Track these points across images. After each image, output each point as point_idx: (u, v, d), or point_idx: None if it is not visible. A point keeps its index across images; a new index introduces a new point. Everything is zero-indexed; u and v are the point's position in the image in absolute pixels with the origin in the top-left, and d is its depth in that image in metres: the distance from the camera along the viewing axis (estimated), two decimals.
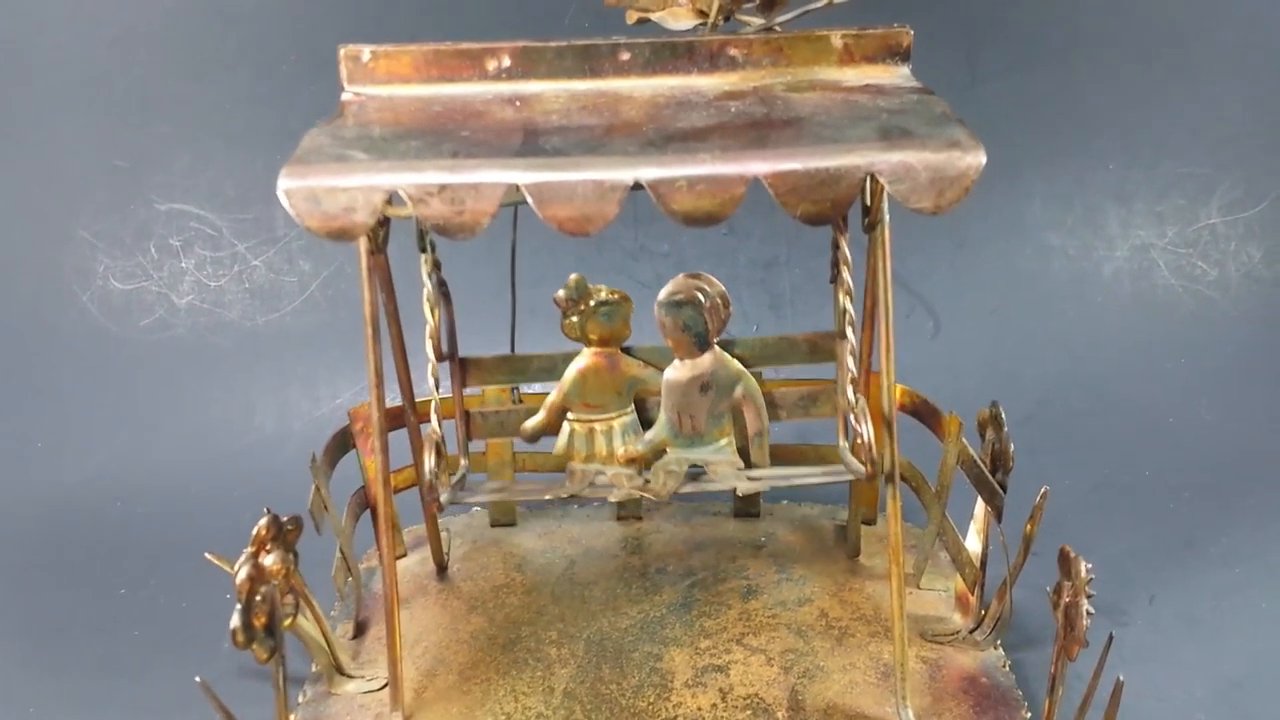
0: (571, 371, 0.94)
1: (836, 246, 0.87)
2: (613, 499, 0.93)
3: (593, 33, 0.79)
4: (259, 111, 1.39)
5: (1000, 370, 1.41)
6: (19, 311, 1.40)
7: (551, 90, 0.75)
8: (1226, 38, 1.45)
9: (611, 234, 1.44)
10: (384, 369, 0.83)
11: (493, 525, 1.15)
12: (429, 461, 0.84)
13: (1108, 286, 1.49)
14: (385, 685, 0.89)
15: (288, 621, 0.76)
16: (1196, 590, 1.04)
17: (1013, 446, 0.90)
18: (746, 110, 0.72)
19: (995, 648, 0.94)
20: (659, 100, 0.74)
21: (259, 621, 0.72)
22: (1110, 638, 0.72)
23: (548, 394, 0.95)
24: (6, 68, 1.36)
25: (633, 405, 0.94)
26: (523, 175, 0.65)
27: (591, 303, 0.92)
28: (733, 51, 0.80)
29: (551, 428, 0.95)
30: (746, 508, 1.14)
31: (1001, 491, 0.91)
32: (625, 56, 0.79)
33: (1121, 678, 0.70)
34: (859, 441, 0.84)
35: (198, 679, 0.69)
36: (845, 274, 0.85)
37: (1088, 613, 0.70)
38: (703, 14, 0.83)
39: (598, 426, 0.93)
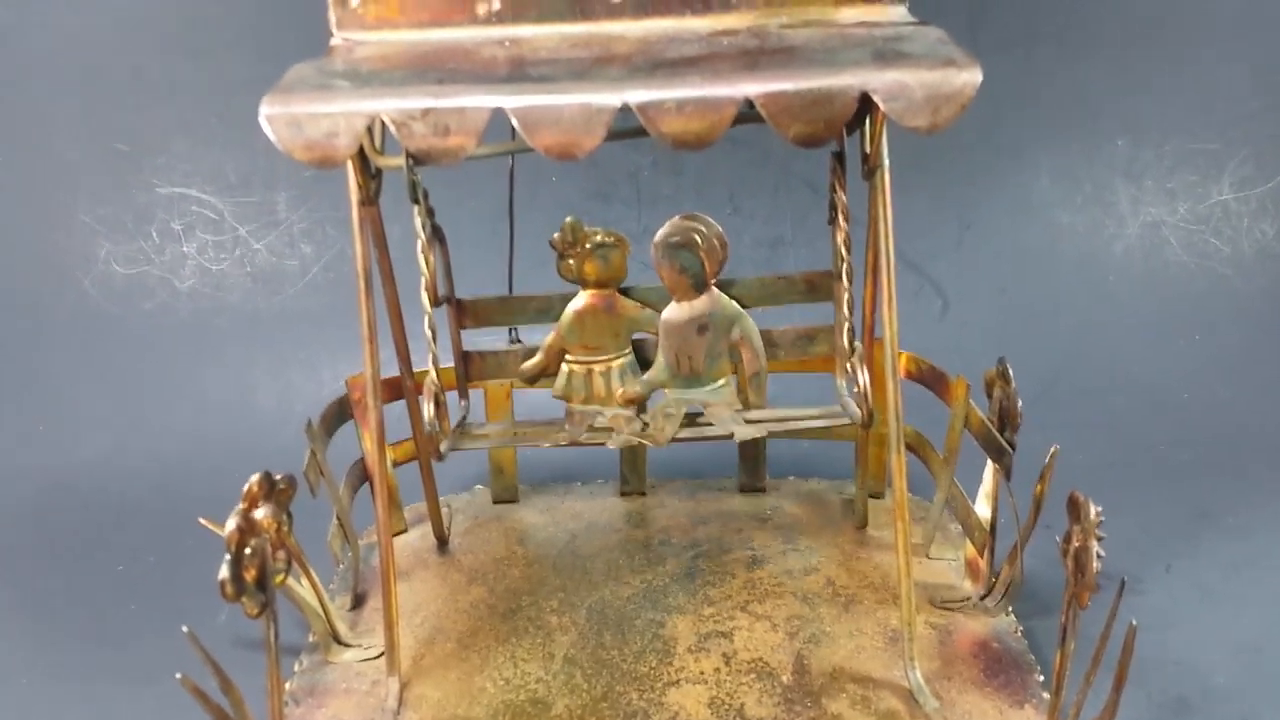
0: (569, 313, 0.93)
1: (834, 190, 0.86)
2: (611, 445, 0.92)
3: None
4: (260, 95, 1.37)
5: (1010, 350, 1.37)
6: (22, 296, 1.40)
7: (543, 33, 0.74)
8: (1234, 13, 1.44)
9: (615, 215, 1.43)
10: (377, 325, 0.82)
11: (495, 502, 1.14)
12: (428, 410, 0.83)
13: (1119, 264, 1.47)
14: (382, 654, 0.87)
15: (279, 578, 0.75)
16: (1212, 561, 1.03)
17: (1020, 403, 0.88)
18: (739, 43, 0.71)
19: (1007, 614, 0.92)
20: (650, 38, 0.73)
21: (249, 575, 0.70)
22: (1123, 583, 0.70)
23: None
24: (8, 53, 1.36)
25: (631, 347, 0.93)
26: (508, 99, 0.63)
27: (588, 245, 0.91)
28: None
29: (550, 369, 0.94)
30: (752, 482, 1.13)
31: (1010, 449, 0.89)
32: None
33: (1135, 622, 0.67)
34: (857, 390, 0.83)
35: (185, 628, 0.68)
36: (842, 219, 0.84)
37: (1098, 555, 0.67)
38: None
39: (596, 368, 0.92)
